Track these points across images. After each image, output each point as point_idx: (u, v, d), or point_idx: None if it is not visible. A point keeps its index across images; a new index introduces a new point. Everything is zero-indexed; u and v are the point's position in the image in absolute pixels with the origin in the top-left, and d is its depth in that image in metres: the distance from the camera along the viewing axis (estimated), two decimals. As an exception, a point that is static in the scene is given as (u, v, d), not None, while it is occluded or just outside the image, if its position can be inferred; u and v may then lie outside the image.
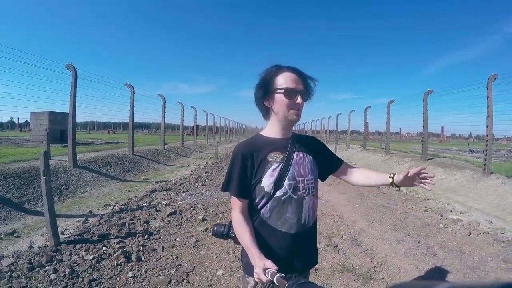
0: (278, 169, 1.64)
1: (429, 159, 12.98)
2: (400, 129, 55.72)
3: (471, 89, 12.19)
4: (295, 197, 1.64)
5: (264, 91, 1.69)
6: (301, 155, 1.73)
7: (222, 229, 1.78)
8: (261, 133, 1.82)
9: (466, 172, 9.74)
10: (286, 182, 1.63)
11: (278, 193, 1.63)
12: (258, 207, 1.67)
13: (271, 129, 1.76)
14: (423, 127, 13.37)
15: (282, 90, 1.62)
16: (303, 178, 1.68)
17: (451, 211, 7.05)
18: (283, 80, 1.63)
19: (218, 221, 6.02)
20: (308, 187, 1.69)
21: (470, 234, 5.58)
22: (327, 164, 1.89)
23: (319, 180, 1.87)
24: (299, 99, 1.62)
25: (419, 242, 5.17)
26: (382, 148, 19.23)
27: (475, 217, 6.55)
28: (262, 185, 1.63)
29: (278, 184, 1.62)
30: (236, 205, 1.68)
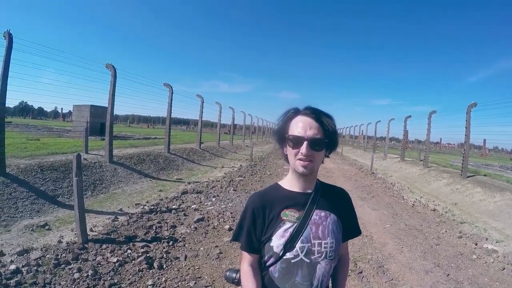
0: (291, 229, 1.48)
1: (468, 177, 12.40)
2: (441, 138, 54.07)
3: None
4: (308, 261, 1.47)
5: (279, 138, 1.56)
6: (322, 214, 1.54)
7: (234, 275, 1.71)
8: (279, 183, 1.65)
9: (507, 195, 9.20)
10: (298, 245, 1.46)
11: (288, 255, 1.47)
12: (267, 264, 1.54)
13: (290, 180, 1.60)
14: (465, 142, 12.92)
15: (288, 137, 1.48)
16: (320, 241, 1.49)
17: (486, 239, 6.57)
18: (294, 126, 1.47)
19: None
20: (326, 251, 1.49)
21: (504, 269, 5.15)
22: (344, 230, 1.64)
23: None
24: (303, 148, 1.42)
25: (448, 275, 4.81)
26: (421, 160, 18.69)
27: (511, 247, 6.14)
28: (271, 244, 1.49)
29: (288, 246, 1.47)
30: (245, 258, 1.59)
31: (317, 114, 1.47)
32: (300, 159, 1.45)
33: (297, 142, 1.44)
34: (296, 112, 1.52)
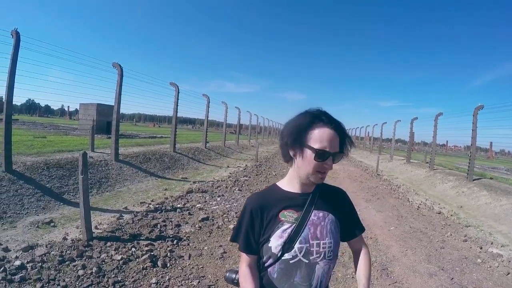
0: (289, 230, 1.47)
1: (474, 180, 12.26)
2: (447, 141, 53.77)
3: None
4: (306, 261, 1.47)
5: (293, 140, 1.46)
6: (321, 214, 1.53)
7: (233, 276, 1.72)
8: (278, 184, 1.64)
9: (513, 199, 9.11)
10: (296, 245, 1.46)
11: (286, 255, 1.46)
12: (266, 265, 1.53)
13: (290, 182, 1.58)
14: (472, 144, 12.77)
15: (315, 150, 1.40)
16: (318, 242, 1.48)
17: (491, 243, 6.48)
18: (318, 137, 1.40)
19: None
20: (324, 251, 1.49)
21: (508, 273, 5.06)
22: (346, 229, 1.64)
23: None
24: (328, 163, 1.41)
25: (452, 279, 4.75)
26: (426, 163, 18.59)
27: (516, 252, 6.03)
28: (269, 245, 1.48)
29: (287, 246, 1.46)
30: (243, 259, 1.58)
31: (340, 130, 1.46)
32: (319, 171, 1.44)
33: (322, 156, 1.40)
34: (316, 118, 1.46)
